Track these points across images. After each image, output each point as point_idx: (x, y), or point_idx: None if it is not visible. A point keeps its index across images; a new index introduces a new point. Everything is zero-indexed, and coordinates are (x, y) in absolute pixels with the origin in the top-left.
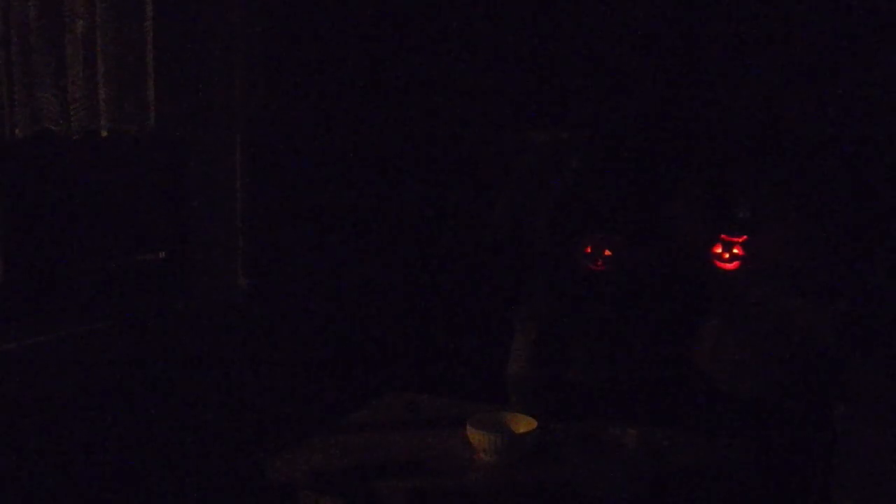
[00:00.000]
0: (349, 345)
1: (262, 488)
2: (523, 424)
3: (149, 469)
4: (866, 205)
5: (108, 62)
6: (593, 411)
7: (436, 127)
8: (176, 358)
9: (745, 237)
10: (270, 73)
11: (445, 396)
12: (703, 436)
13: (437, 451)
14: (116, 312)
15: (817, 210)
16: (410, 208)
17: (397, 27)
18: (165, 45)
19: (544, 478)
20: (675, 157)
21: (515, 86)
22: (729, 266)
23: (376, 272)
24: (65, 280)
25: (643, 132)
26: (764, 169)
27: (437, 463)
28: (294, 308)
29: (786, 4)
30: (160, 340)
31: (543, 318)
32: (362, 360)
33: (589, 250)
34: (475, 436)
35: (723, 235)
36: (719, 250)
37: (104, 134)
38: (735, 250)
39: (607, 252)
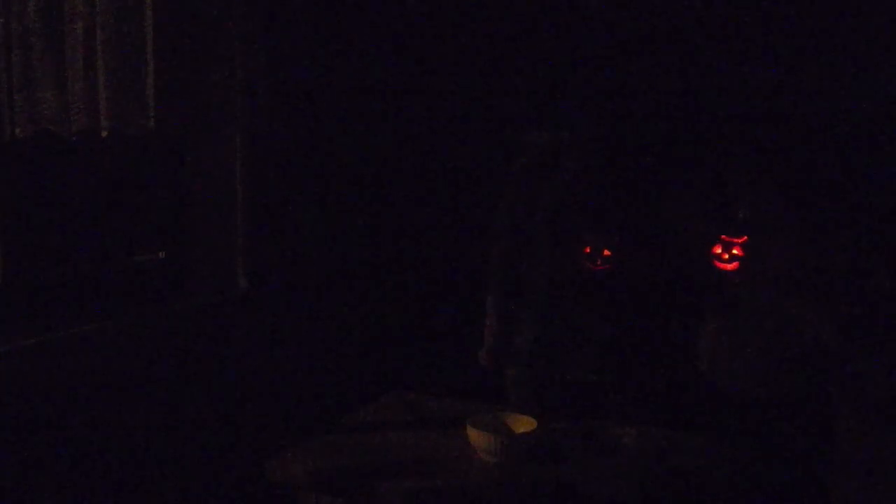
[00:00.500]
0: (349, 345)
1: (262, 488)
2: (523, 424)
3: (149, 469)
4: (866, 205)
5: (108, 62)
6: (593, 411)
7: (436, 127)
8: (176, 358)
9: (745, 238)
10: (270, 73)
11: (445, 396)
12: (703, 436)
13: (437, 451)
14: (116, 312)
15: (817, 210)
16: (411, 208)
17: (397, 28)
18: (165, 45)
19: (544, 478)
20: (674, 157)
21: (515, 86)
22: (729, 266)
23: (376, 272)
24: (65, 280)
25: (643, 132)
26: (764, 169)
27: (437, 463)
28: (294, 308)
29: (786, 5)
30: (160, 340)
31: (543, 317)
32: (362, 360)
33: (588, 250)
34: (475, 436)
35: (723, 236)
36: (719, 251)
37: (104, 134)
38: (735, 251)
39: (606, 252)
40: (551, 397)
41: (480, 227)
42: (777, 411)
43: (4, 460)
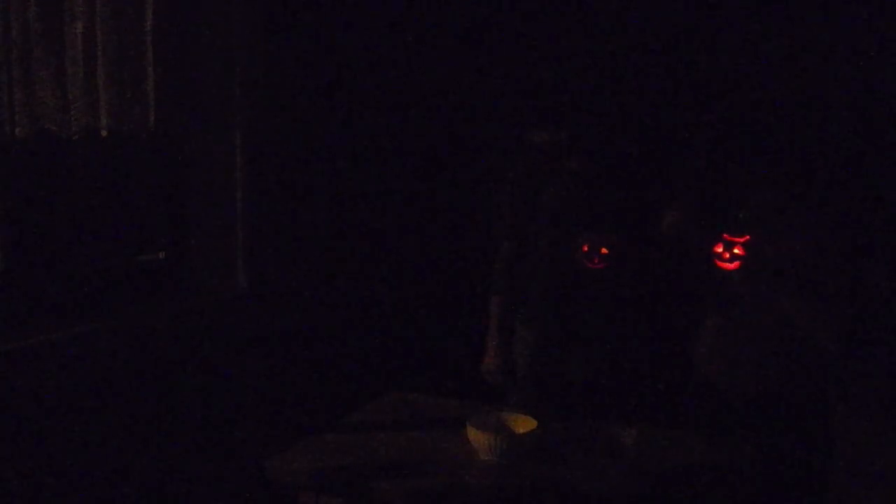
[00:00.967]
0: (349, 345)
1: (262, 488)
2: (523, 424)
3: (149, 469)
4: (866, 205)
5: (108, 62)
6: (593, 411)
7: (436, 127)
8: (176, 358)
9: (747, 237)
10: (270, 73)
11: (445, 396)
12: (703, 436)
13: (437, 451)
14: (116, 312)
15: (817, 210)
16: (411, 208)
17: (397, 28)
18: (165, 45)
19: (544, 478)
20: (675, 157)
21: (515, 87)
22: (729, 266)
23: (376, 272)
24: (65, 280)
25: (642, 133)
26: (764, 169)
27: (437, 463)
28: (294, 308)
29: (786, 5)
30: (160, 340)
31: (543, 317)
32: (362, 360)
33: (586, 248)
34: (475, 436)
35: (725, 235)
36: (720, 250)
37: (104, 134)
38: (736, 250)
39: (604, 250)
40: (551, 397)
41: (481, 227)
42: (777, 411)
43: (4, 460)
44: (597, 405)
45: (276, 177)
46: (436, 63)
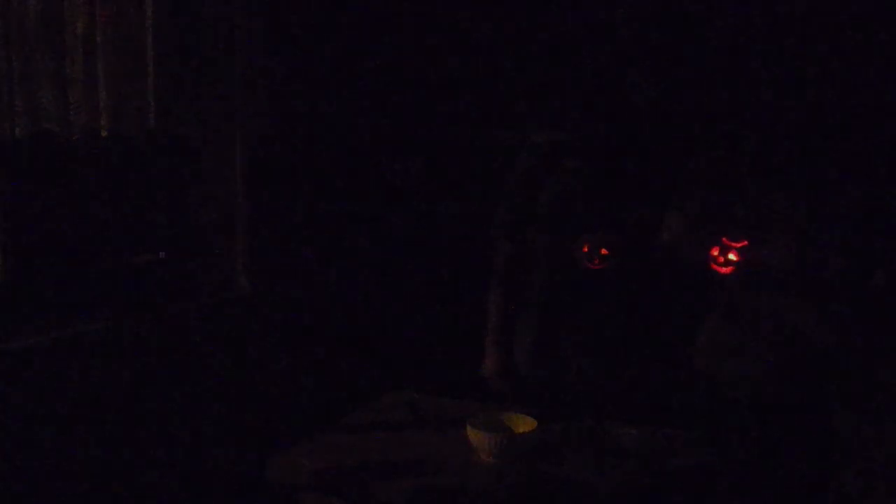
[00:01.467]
0: (349, 344)
1: (262, 488)
2: (523, 424)
3: (149, 469)
4: (866, 205)
5: (108, 62)
6: (593, 411)
7: (437, 127)
8: (176, 358)
9: (745, 242)
10: (270, 73)
11: (445, 396)
12: (703, 436)
13: (437, 451)
14: (116, 312)
15: (817, 211)
16: (411, 208)
17: (397, 27)
18: (165, 45)
19: (544, 478)
20: (674, 158)
21: (515, 86)
22: (723, 270)
23: (376, 272)
24: (65, 280)
25: (642, 133)
26: (765, 170)
27: (437, 463)
28: (294, 308)
29: (785, 6)
30: (160, 340)
31: (543, 318)
32: (362, 360)
33: (586, 249)
34: (475, 436)
35: (724, 238)
36: (716, 253)
37: (104, 134)
38: (731, 255)
39: (604, 251)
40: (551, 397)
41: (482, 227)
42: (776, 411)
43: (4, 460)
44: (597, 405)
45: (276, 177)
46: (436, 63)
